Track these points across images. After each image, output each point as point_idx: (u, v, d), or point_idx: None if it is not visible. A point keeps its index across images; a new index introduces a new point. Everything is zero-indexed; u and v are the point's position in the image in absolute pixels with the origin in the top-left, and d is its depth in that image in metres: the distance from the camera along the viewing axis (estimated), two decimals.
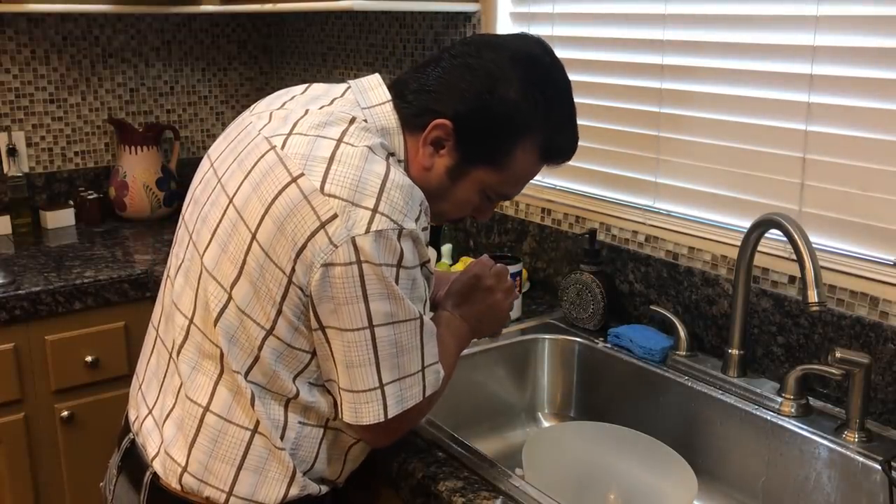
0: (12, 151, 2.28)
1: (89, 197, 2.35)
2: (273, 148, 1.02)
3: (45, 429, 1.88)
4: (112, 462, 1.21)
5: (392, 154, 1.06)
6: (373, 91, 1.10)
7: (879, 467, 1.15)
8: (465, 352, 1.50)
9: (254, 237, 0.99)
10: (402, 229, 0.97)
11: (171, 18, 2.56)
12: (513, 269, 1.64)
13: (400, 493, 1.16)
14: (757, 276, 1.41)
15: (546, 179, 1.85)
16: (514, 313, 1.66)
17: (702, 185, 1.52)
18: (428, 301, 1.06)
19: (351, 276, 0.95)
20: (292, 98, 1.13)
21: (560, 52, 1.76)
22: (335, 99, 1.10)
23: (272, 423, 1.03)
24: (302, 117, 1.06)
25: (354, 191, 0.96)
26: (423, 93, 1.08)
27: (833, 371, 1.24)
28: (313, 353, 1.03)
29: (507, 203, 1.91)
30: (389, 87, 1.11)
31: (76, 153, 2.46)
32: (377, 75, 1.13)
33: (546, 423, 1.61)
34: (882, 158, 1.26)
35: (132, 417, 1.18)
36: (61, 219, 2.33)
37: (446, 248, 1.98)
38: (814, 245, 1.18)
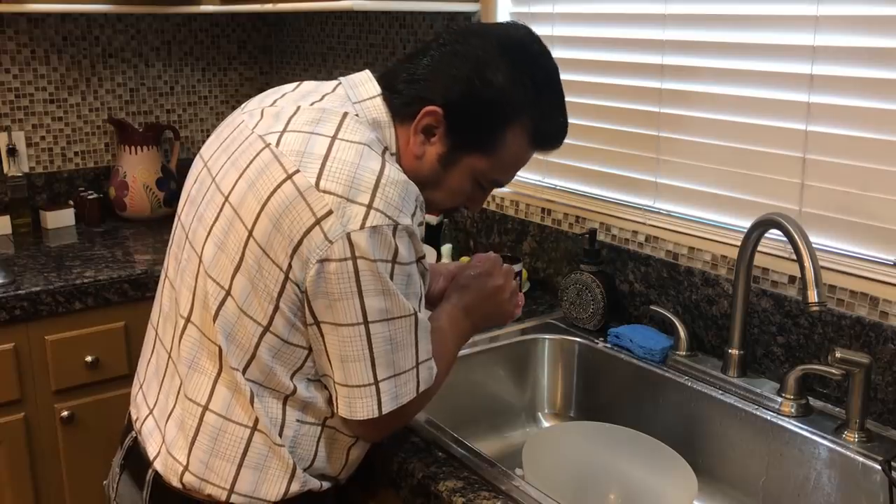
0: (12, 151, 2.28)
1: (89, 197, 2.35)
2: (268, 146, 1.03)
3: (45, 429, 1.88)
4: (115, 461, 1.22)
5: (387, 149, 1.07)
6: (363, 86, 1.11)
7: (879, 467, 1.15)
8: (465, 352, 1.51)
9: (250, 234, 0.99)
10: (398, 225, 0.97)
11: (171, 18, 2.56)
12: (513, 269, 1.64)
13: (400, 493, 1.16)
14: (757, 276, 1.41)
15: (546, 179, 1.85)
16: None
17: (702, 185, 1.52)
18: (423, 297, 1.06)
19: (346, 272, 0.96)
20: (283, 95, 1.13)
21: (560, 52, 1.77)
22: (326, 95, 1.10)
23: (270, 420, 1.04)
24: (294, 114, 1.06)
25: (350, 187, 0.97)
26: (413, 82, 1.08)
27: (833, 371, 1.24)
28: (310, 350, 1.03)
29: (507, 203, 1.91)
30: (379, 80, 1.12)
31: (76, 153, 2.46)
32: (367, 71, 1.14)
33: (546, 423, 1.61)
34: (882, 158, 1.26)
35: (133, 417, 1.18)
36: (61, 219, 2.33)
37: (446, 248, 1.98)
38: (814, 245, 1.18)
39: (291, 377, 1.04)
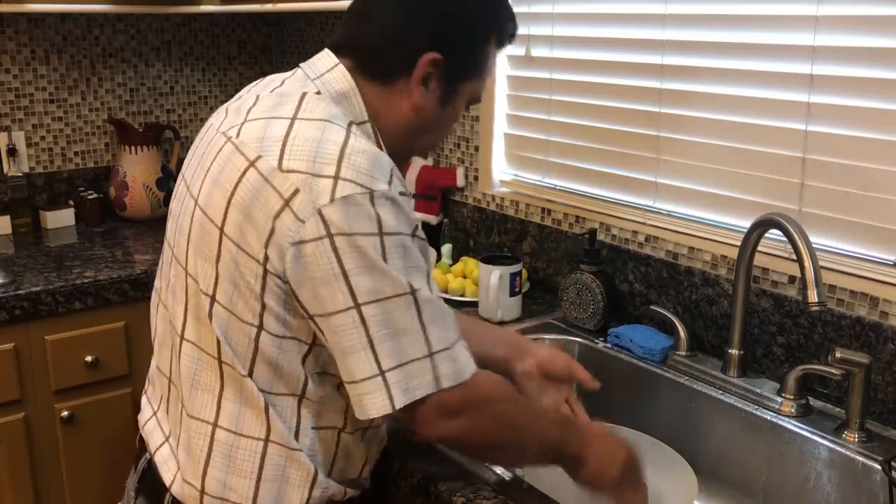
0: (12, 151, 2.28)
1: (89, 197, 2.35)
2: (228, 139, 0.99)
3: (45, 429, 1.88)
4: (129, 483, 1.17)
5: (354, 122, 1.01)
6: (320, 60, 1.06)
7: (879, 467, 1.15)
8: None
9: (222, 231, 0.94)
10: (374, 191, 0.90)
11: (171, 18, 2.56)
12: (513, 269, 1.64)
13: (400, 493, 1.16)
14: (757, 276, 1.41)
15: (546, 179, 1.85)
16: (514, 313, 1.67)
17: (702, 185, 1.52)
18: (430, 274, 0.97)
19: (324, 252, 0.89)
20: (248, 90, 1.11)
21: (560, 53, 1.77)
22: (285, 80, 1.07)
23: (286, 426, 0.99)
24: (253, 105, 1.03)
25: (313, 162, 0.91)
26: (386, 36, 1.04)
27: (833, 371, 1.24)
28: (312, 342, 0.98)
29: (507, 203, 1.91)
30: (336, 49, 1.06)
31: (76, 153, 2.46)
32: (327, 49, 1.08)
33: None
34: (882, 158, 1.26)
35: (147, 442, 1.13)
36: (61, 219, 2.33)
37: (446, 248, 1.98)
38: (814, 245, 1.18)
39: (301, 370, 0.98)
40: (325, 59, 1.06)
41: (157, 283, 1.14)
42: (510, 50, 1.89)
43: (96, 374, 1.91)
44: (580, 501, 1.17)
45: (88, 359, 1.89)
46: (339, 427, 1.04)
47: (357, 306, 0.90)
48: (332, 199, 0.89)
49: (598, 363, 1.55)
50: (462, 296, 1.76)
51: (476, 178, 2.01)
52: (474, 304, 1.72)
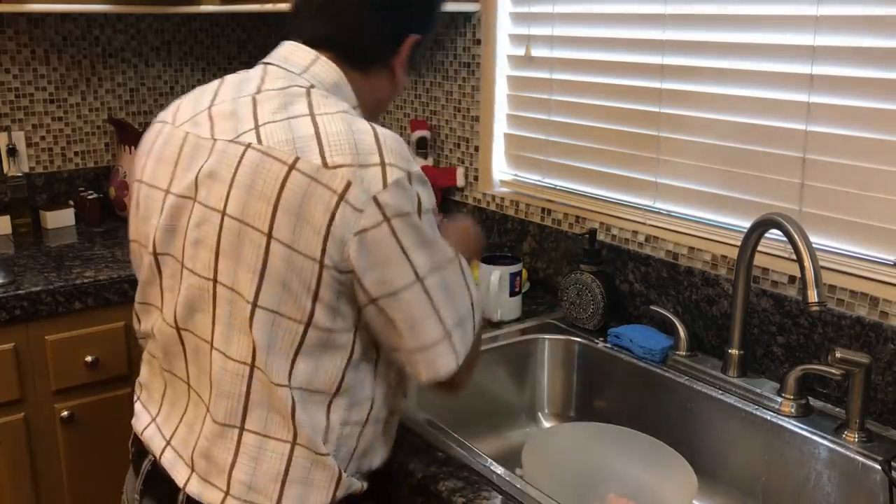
0: (12, 151, 2.28)
1: (89, 197, 2.35)
2: (248, 146, 0.98)
3: (45, 429, 1.88)
4: (129, 488, 1.17)
5: (355, 108, 1.07)
6: (295, 54, 1.07)
7: (879, 467, 1.15)
8: None
9: (270, 237, 0.95)
10: (411, 173, 0.97)
11: (171, 18, 2.56)
12: (513, 269, 1.64)
13: (400, 493, 1.16)
14: (757, 276, 1.41)
15: (546, 179, 1.85)
16: (514, 313, 1.67)
17: (702, 185, 1.52)
18: None
19: (385, 236, 0.95)
20: (216, 95, 1.09)
21: (560, 53, 1.77)
22: (264, 78, 1.07)
23: (313, 429, 1.01)
24: (255, 107, 1.02)
25: (356, 154, 0.95)
26: (367, 29, 1.08)
27: (833, 371, 1.24)
28: (355, 330, 1.01)
29: (507, 203, 1.91)
30: (313, 45, 1.08)
31: (76, 153, 2.46)
32: (285, 41, 1.10)
33: (546, 423, 1.61)
34: (882, 158, 1.26)
35: (151, 449, 1.12)
36: (61, 219, 2.33)
37: None
38: (814, 245, 1.18)
39: (340, 363, 1.01)
40: (302, 53, 1.07)
41: (144, 297, 1.13)
42: (510, 50, 1.90)
43: (96, 374, 1.91)
44: (580, 501, 1.18)
45: (88, 359, 1.89)
46: (364, 420, 1.06)
47: (420, 280, 0.98)
48: (385, 185, 0.94)
49: (598, 363, 1.55)
50: None
51: (476, 178, 2.01)
52: None
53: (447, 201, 2.08)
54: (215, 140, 1.02)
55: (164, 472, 1.07)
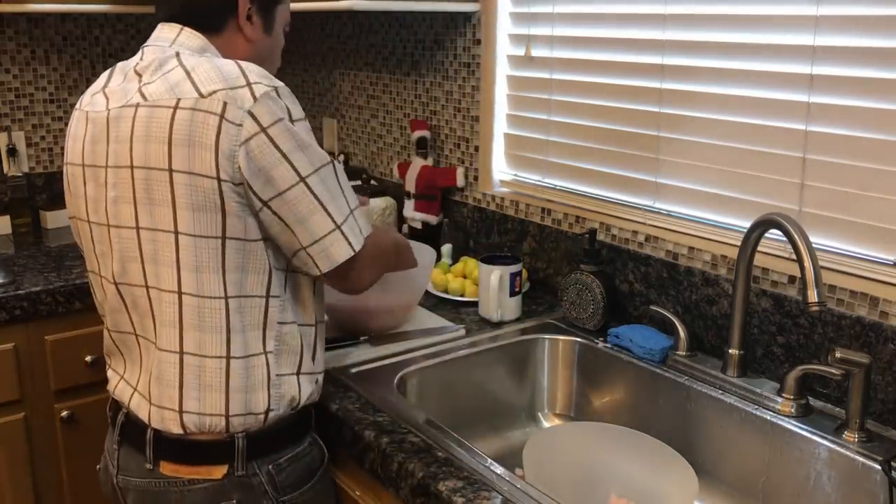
0: (12, 151, 2.28)
1: None
2: (136, 106, 1.12)
3: (45, 429, 1.88)
4: (108, 442, 1.27)
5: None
6: (162, 33, 1.22)
7: (879, 467, 1.15)
8: (465, 351, 1.51)
9: (171, 170, 1.08)
10: (277, 88, 1.11)
11: None
12: (513, 269, 1.64)
13: (400, 493, 1.16)
14: (757, 276, 1.41)
15: (546, 179, 1.85)
16: (514, 313, 1.67)
17: (702, 185, 1.52)
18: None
19: (264, 143, 1.07)
20: (109, 78, 1.22)
21: (560, 53, 1.77)
22: (143, 55, 1.20)
23: (245, 339, 1.13)
24: (140, 78, 1.15)
25: (224, 80, 1.09)
26: None
27: (833, 371, 1.24)
28: (266, 242, 1.13)
29: (507, 203, 1.91)
30: (170, 21, 1.23)
31: None
32: (161, 24, 1.24)
33: (546, 423, 1.61)
34: (882, 158, 1.26)
35: (122, 401, 1.23)
36: (61, 219, 2.33)
37: (446, 249, 1.98)
38: (814, 245, 1.18)
39: (265, 265, 1.13)
40: (168, 31, 1.21)
41: (91, 266, 1.25)
42: (510, 50, 1.90)
43: (96, 374, 1.91)
44: (580, 501, 1.18)
45: (88, 359, 1.89)
46: (300, 322, 1.20)
47: (302, 179, 1.10)
48: (256, 100, 1.08)
49: (598, 363, 1.55)
50: (462, 296, 1.76)
51: (476, 178, 2.01)
52: (474, 304, 1.72)
53: (447, 201, 2.09)
54: (109, 110, 1.15)
55: (134, 416, 1.19)
